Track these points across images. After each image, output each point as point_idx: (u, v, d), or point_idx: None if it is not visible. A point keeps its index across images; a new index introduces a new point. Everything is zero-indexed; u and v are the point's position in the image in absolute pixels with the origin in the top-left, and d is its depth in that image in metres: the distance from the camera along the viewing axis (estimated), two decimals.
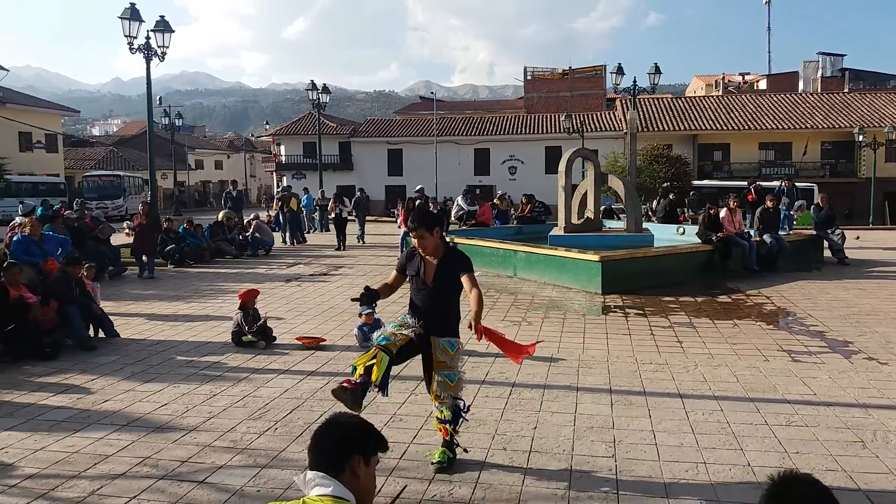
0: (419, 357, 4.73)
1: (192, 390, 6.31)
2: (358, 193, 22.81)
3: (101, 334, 8.38)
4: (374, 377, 4.30)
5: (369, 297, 4.60)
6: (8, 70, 42.13)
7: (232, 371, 6.97)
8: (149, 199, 17.68)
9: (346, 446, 2.06)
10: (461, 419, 4.66)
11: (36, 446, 5.00)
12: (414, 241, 4.62)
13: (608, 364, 7.01)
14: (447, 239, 5.13)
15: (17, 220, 11.99)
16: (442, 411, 4.56)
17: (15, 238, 9.67)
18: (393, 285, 4.83)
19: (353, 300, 4.85)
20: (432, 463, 4.57)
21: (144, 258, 13.78)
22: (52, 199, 26.38)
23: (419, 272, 4.63)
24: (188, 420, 5.53)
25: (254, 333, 7.86)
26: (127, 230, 15.14)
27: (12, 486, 4.36)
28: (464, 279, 4.62)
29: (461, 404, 4.64)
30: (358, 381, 4.33)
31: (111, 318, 8.65)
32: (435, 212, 3.86)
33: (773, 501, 1.81)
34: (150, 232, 13.83)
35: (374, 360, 4.33)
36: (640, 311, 9.69)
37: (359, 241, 20.17)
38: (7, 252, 9.35)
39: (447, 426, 4.57)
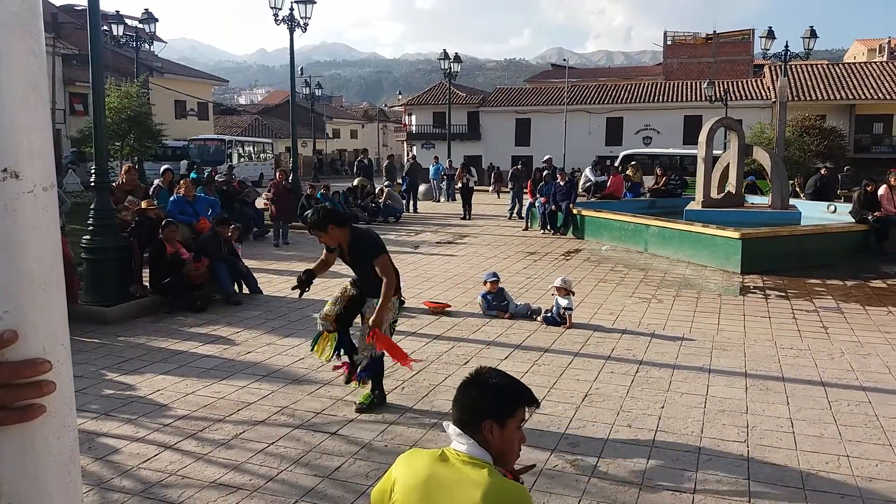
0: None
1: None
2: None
3: (246, 290, 8.96)
4: (324, 356, 5.24)
5: (307, 280, 5.15)
6: (166, 42, 45.39)
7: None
8: (289, 165, 18.52)
9: (478, 410, 2.09)
10: (382, 372, 5.14)
11: (187, 390, 5.46)
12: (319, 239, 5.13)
13: (744, 347, 6.67)
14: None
15: (156, 182, 12.94)
16: (361, 362, 5.04)
17: (172, 199, 10.47)
18: (327, 261, 5.31)
19: (293, 289, 5.27)
20: (355, 405, 5.05)
21: (280, 224, 13.81)
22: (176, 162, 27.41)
23: (340, 253, 5.11)
24: (322, 374, 5.83)
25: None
26: (265, 200, 15.07)
27: (166, 425, 4.79)
28: (376, 265, 4.88)
29: (380, 355, 5.04)
30: (340, 364, 5.29)
31: (255, 275, 9.23)
32: (327, 207, 4.28)
33: None
34: (287, 198, 14.12)
35: (326, 343, 5.22)
36: (783, 294, 9.13)
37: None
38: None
39: (361, 376, 5.05)
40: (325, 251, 5.25)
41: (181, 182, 10.76)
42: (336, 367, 5.30)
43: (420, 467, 2.02)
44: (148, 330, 7.27)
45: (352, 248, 4.98)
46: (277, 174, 14.57)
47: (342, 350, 5.25)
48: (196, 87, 44.25)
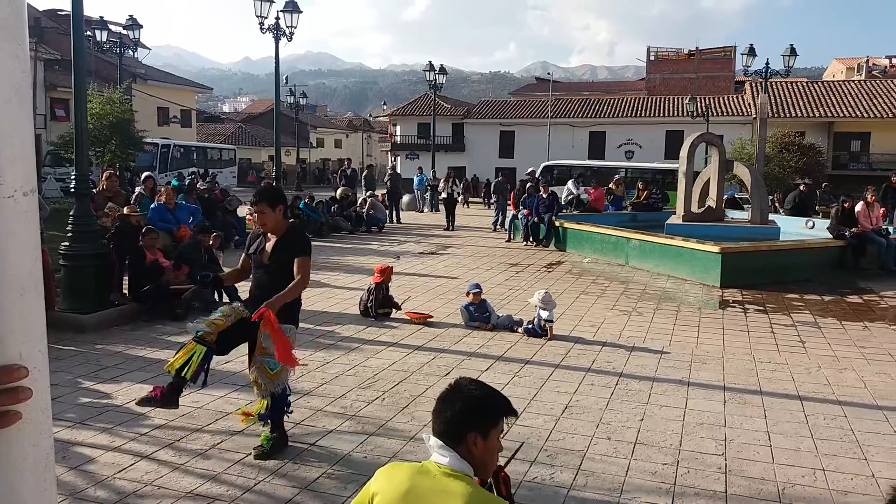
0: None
1: (307, 356, 6.57)
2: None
3: (226, 299, 8.89)
4: (187, 373, 4.19)
5: (211, 284, 4.70)
6: (150, 49, 45.14)
7: (344, 340, 7.23)
8: (272, 174, 18.42)
9: (462, 422, 2.08)
10: (283, 412, 4.52)
11: None
12: (254, 218, 4.59)
13: (723, 360, 6.73)
14: (291, 220, 5.14)
15: (138, 189, 12.82)
16: (261, 402, 4.42)
17: (152, 206, 10.40)
18: (243, 268, 4.74)
19: (195, 282, 4.70)
20: (254, 448, 4.40)
21: None
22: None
23: (258, 250, 4.53)
24: (302, 384, 5.80)
25: (380, 307, 8.19)
26: (249, 216, 14.25)
27: (143, 434, 4.74)
28: (296, 262, 4.39)
29: (281, 392, 4.45)
30: (165, 386, 4.28)
31: (235, 284, 9.16)
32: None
33: None
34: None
35: (190, 355, 4.23)
36: (761, 308, 9.23)
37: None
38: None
39: (265, 421, 4.45)
40: (243, 255, 4.76)
41: (162, 189, 10.70)
42: (152, 392, 4.34)
43: (400, 480, 2.00)
44: (126, 338, 7.19)
45: (281, 241, 4.44)
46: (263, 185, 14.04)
47: (206, 368, 4.39)
48: (179, 95, 44.05)
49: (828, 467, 4.40)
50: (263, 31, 17.59)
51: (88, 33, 26.82)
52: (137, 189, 12.85)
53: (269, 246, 4.48)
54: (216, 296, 8.75)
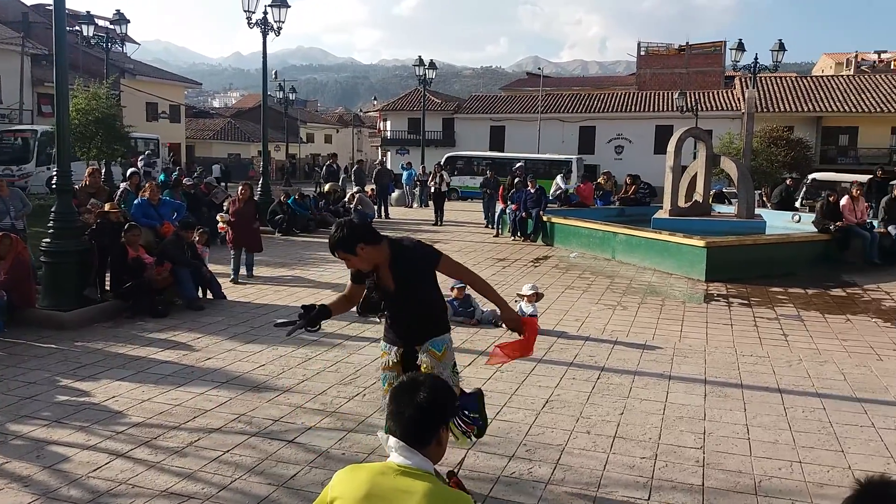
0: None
1: (288, 353, 6.57)
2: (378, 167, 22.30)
3: (210, 296, 8.85)
4: None
5: (316, 317, 3.70)
6: (139, 44, 44.86)
7: (327, 337, 7.18)
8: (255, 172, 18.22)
9: (431, 421, 2.05)
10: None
11: (143, 397, 5.37)
12: (347, 263, 3.72)
13: (705, 354, 6.74)
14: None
15: (123, 185, 12.69)
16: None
17: (136, 202, 10.32)
18: (351, 297, 3.89)
19: (276, 325, 4.03)
20: None
21: (243, 253, 10.36)
22: None
23: (376, 280, 3.74)
24: (283, 381, 5.78)
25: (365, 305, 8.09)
26: (221, 223, 11.78)
27: (119, 432, 4.71)
28: (442, 267, 3.81)
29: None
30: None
31: (219, 280, 9.12)
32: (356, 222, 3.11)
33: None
34: (251, 221, 10.47)
35: None
36: (745, 302, 9.25)
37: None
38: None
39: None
40: (350, 283, 3.88)
41: (146, 185, 10.61)
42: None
43: (360, 483, 1.96)
44: (106, 335, 7.14)
45: (394, 268, 3.66)
46: (240, 189, 10.68)
47: None
48: (168, 90, 43.79)
49: (805, 459, 4.41)
50: (251, 25, 17.49)
51: (75, 28, 26.73)
52: (122, 185, 12.75)
53: (385, 275, 3.71)
54: (199, 291, 8.71)
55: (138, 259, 8.15)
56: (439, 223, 18.78)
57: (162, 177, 19.48)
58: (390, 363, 3.82)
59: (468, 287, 8.01)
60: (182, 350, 6.67)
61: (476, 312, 7.86)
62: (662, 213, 13.49)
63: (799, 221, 14.22)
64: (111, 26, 28.01)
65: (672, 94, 40.20)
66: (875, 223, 12.58)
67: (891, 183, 15.78)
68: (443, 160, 25.14)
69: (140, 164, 22.72)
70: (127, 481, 4.01)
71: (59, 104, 8.00)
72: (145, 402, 5.24)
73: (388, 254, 3.64)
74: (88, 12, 26.45)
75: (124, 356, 6.43)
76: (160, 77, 45.92)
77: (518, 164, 20.17)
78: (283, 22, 17.80)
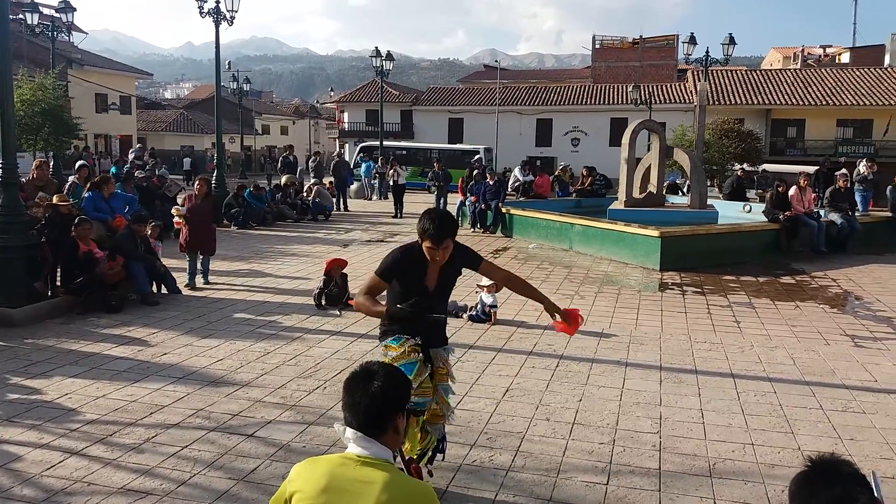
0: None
1: (247, 347, 6.50)
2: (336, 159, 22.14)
3: (164, 290, 8.69)
4: (425, 444, 3.79)
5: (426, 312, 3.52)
6: (87, 33, 43.64)
7: (286, 330, 7.14)
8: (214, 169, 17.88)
9: (387, 409, 2.05)
10: (439, 451, 3.90)
11: (97, 394, 5.25)
12: (436, 254, 3.54)
13: (661, 341, 6.89)
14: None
15: (71, 178, 12.35)
16: (429, 439, 3.81)
17: (86, 195, 10.06)
18: (377, 295, 3.72)
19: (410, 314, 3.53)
20: None
21: (199, 256, 9.47)
22: None
23: (420, 276, 3.62)
24: (241, 376, 5.71)
25: (325, 299, 8.06)
26: (177, 217, 10.53)
27: (74, 430, 4.60)
28: (481, 271, 3.83)
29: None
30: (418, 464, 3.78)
31: (174, 275, 8.96)
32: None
33: (804, 485, 1.75)
34: (206, 220, 9.53)
35: (426, 445, 3.79)
36: (699, 290, 9.47)
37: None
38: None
39: (423, 461, 3.81)
40: (376, 280, 3.64)
41: (97, 179, 10.34)
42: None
43: (319, 475, 1.95)
44: (58, 332, 6.96)
45: (448, 264, 3.63)
46: (197, 185, 9.66)
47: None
48: (119, 81, 42.63)
49: (756, 442, 4.55)
50: (203, 14, 17.17)
51: (19, 16, 25.83)
52: (71, 178, 12.41)
53: (433, 272, 3.63)
54: (153, 286, 8.54)
55: (89, 253, 7.95)
56: (399, 215, 18.74)
57: (113, 169, 19.00)
58: (413, 347, 3.60)
59: None
60: (137, 345, 6.54)
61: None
62: (618, 205, 13.70)
63: (750, 211, 14.59)
64: (57, 14, 27.11)
65: (626, 87, 40.73)
66: (822, 212, 12.99)
67: (836, 173, 16.27)
68: (356, 150, 25.47)
69: (131, 156, 22.35)
70: (82, 479, 3.93)
71: (2, 94, 7.73)
72: (100, 399, 5.13)
73: (451, 249, 3.60)
74: (33, 0, 25.58)
75: (77, 352, 6.28)
76: (110, 67, 44.70)
77: (476, 157, 20.24)
78: (236, 11, 17.52)
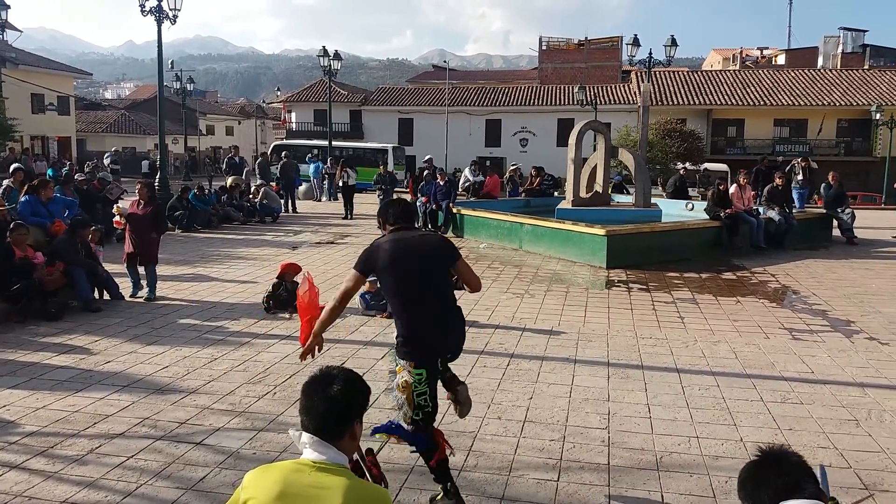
0: None
1: (193, 353, 6.38)
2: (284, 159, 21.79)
3: (106, 296, 8.45)
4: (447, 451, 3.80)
5: None
6: (21, 31, 42.05)
7: (234, 336, 7.03)
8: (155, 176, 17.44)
9: (345, 415, 2.04)
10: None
11: (37, 405, 5.08)
12: None
13: (608, 338, 7.02)
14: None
15: (6, 182, 11.96)
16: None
17: (23, 199, 9.71)
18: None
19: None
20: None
21: (140, 268, 8.79)
22: None
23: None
24: (188, 382, 5.60)
25: (273, 302, 7.94)
26: (117, 217, 10.05)
27: (13, 442, 4.45)
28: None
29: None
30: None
31: (116, 280, 8.72)
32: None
33: (754, 473, 1.83)
34: (148, 227, 8.83)
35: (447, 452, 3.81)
36: (644, 287, 9.68)
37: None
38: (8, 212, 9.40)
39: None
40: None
41: (35, 182, 9.98)
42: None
43: (272, 482, 1.93)
44: None
45: None
46: (138, 189, 9.03)
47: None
48: (56, 81, 41.24)
49: (701, 434, 4.68)
50: (144, 13, 16.71)
51: None
52: (5, 182, 11.97)
53: None
54: (95, 292, 8.30)
55: (26, 259, 7.68)
56: (349, 217, 18.62)
57: (50, 171, 18.37)
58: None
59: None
60: (79, 354, 6.34)
61: (388, 305, 7.85)
62: (565, 204, 13.90)
63: (692, 209, 14.97)
64: None
65: (573, 87, 41.36)
66: (761, 210, 13.43)
67: (773, 172, 16.83)
68: (269, 150, 25.94)
69: (107, 160, 21.66)
70: (22, 493, 3.80)
71: None
72: (40, 410, 4.97)
73: None
74: None
75: (15, 362, 6.06)
76: (46, 67, 43.19)
77: (428, 157, 20.27)
78: (178, 10, 17.11)
